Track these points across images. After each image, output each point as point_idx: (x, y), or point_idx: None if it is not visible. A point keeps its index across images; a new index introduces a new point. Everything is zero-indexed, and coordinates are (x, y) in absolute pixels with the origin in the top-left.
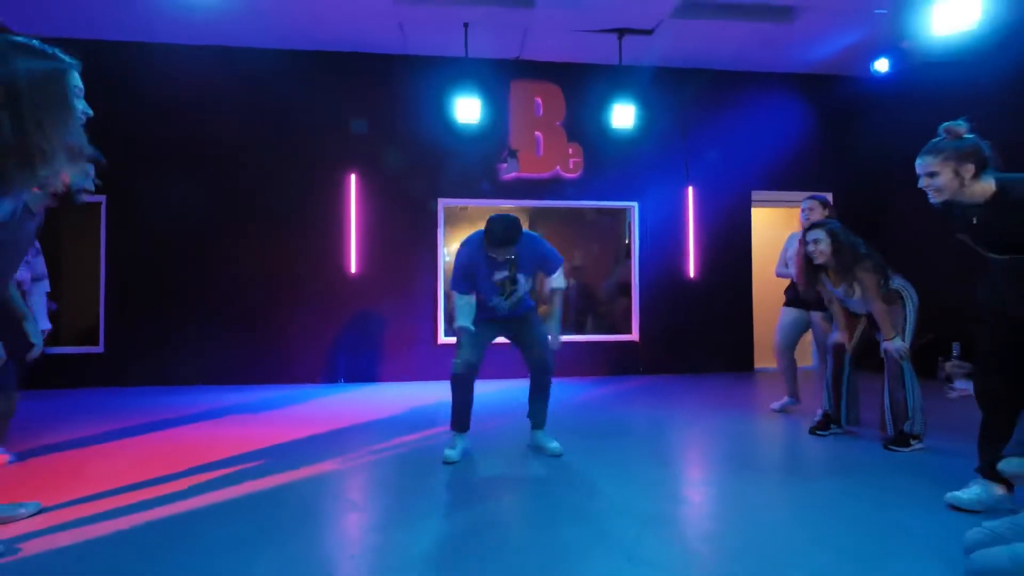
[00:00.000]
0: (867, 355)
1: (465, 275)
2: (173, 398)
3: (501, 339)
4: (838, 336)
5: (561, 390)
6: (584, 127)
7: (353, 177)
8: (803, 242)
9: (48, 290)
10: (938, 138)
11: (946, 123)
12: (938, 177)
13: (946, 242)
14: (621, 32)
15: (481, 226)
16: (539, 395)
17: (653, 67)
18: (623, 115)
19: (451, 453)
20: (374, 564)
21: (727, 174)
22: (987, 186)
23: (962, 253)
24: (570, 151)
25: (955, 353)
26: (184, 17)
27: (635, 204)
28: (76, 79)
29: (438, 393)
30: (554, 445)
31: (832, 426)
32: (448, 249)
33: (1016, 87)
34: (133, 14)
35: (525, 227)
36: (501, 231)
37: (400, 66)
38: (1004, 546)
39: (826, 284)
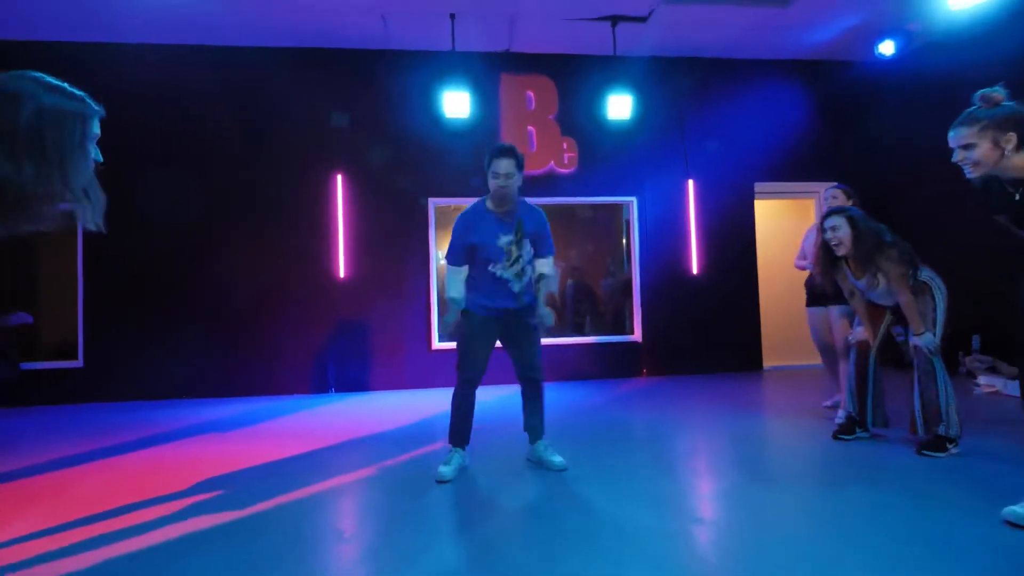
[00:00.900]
0: (884, 351)
1: (463, 245)
2: (155, 413)
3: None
4: (860, 332)
5: (560, 394)
6: (579, 120)
7: (339, 177)
8: (821, 229)
9: None
10: (973, 107)
11: (981, 90)
12: (974, 149)
13: (960, 230)
14: (614, 20)
15: None
16: (533, 403)
17: (648, 56)
18: (619, 107)
19: (445, 470)
20: None
21: (728, 166)
22: None
23: (978, 244)
24: (564, 146)
25: (975, 347)
26: (161, 16)
27: (633, 199)
28: (96, 127)
29: (432, 402)
30: (558, 459)
31: (857, 430)
32: (440, 251)
33: None
34: (110, 14)
35: None
36: (503, 144)
37: (385, 61)
38: None
39: (847, 276)
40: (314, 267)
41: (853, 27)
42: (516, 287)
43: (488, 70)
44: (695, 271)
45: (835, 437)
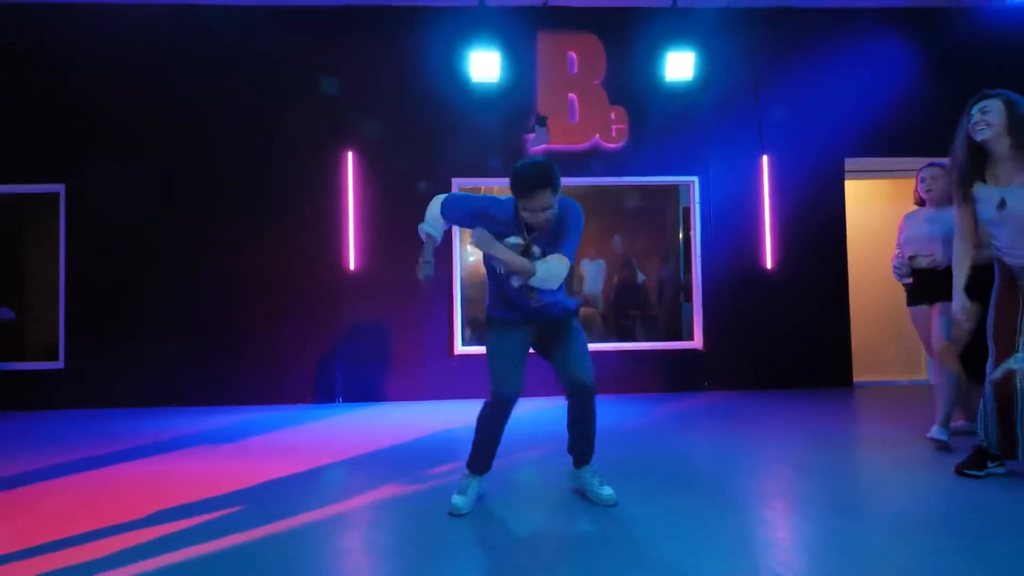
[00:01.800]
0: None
1: (476, 216)
2: (141, 423)
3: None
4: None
5: (606, 411)
6: (630, 86)
7: (350, 156)
8: (966, 118)
9: None
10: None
11: None
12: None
13: None
14: None
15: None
16: (581, 423)
17: (716, 8)
18: (679, 67)
19: (460, 501)
20: None
21: (812, 138)
22: None
23: None
24: (612, 116)
25: None
26: None
27: (695, 179)
28: None
29: (453, 415)
30: (607, 492)
31: (990, 463)
32: (464, 240)
33: None
34: None
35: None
36: (534, 172)
37: (404, 19)
38: None
39: (978, 204)
40: (320, 259)
41: None
42: (518, 283)
43: (523, 27)
44: (770, 266)
45: (960, 472)
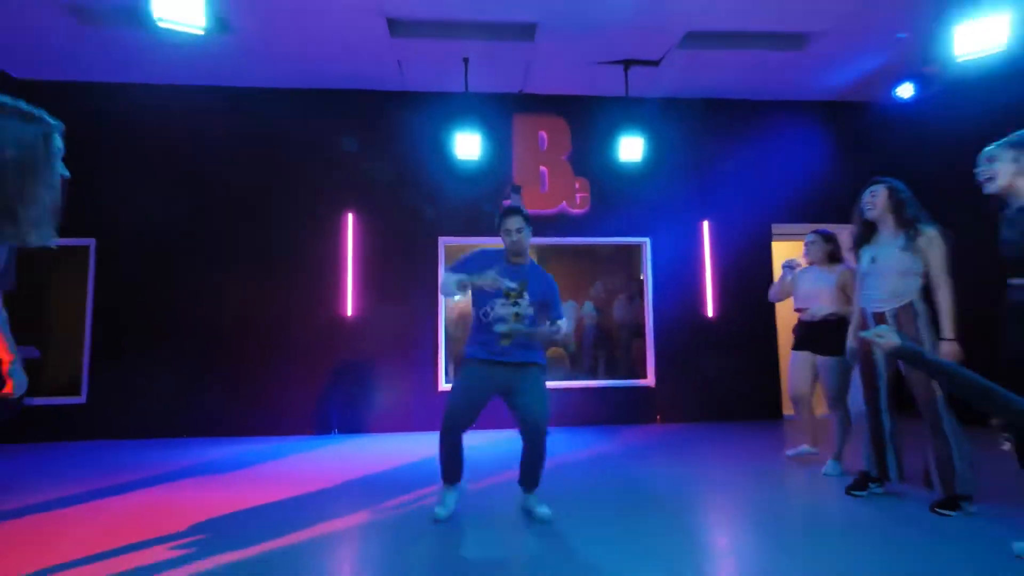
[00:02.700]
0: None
1: (469, 270)
2: (155, 453)
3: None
4: (867, 394)
5: (569, 442)
6: (591, 161)
7: (350, 216)
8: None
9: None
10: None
11: None
12: (996, 162)
13: (981, 275)
14: (627, 64)
15: None
16: (531, 462)
17: (662, 98)
18: (631, 148)
19: (440, 511)
20: None
21: (745, 207)
22: None
23: (1002, 288)
24: (577, 186)
25: None
26: (175, 57)
27: (647, 240)
28: (59, 141)
29: (436, 445)
30: (543, 510)
31: (871, 484)
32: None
33: None
34: (122, 55)
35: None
36: (510, 206)
37: (399, 102)
38: None
39: (860, 263)
40: (322, 305)
41: (871, 70)
42: (505, 328)
43: (501, 110)
44: (711, 315)
45: (848, 492)
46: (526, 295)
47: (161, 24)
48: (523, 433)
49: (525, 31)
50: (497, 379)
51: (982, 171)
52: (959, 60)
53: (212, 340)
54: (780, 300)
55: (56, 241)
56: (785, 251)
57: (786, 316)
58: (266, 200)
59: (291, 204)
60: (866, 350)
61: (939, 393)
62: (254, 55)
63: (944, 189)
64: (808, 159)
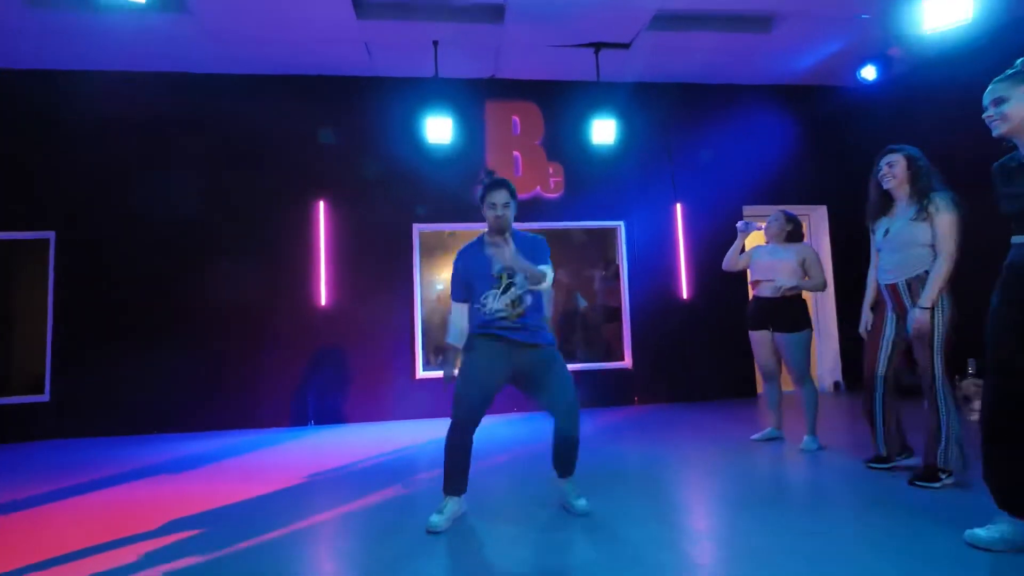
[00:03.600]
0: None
1: (461, 280)
2: (124, 450)
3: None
4: (867, 358)
5: (547, 425)
6: (565, 146)
7: (322, 204)
8: (875, 169)
9: None
10: (1014, 68)
11: None
12: (1006, 104)
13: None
14: (597, 47)
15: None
16: (569, 446)
17: (633, 82)
18: (604, 131)
19: (436, 520)
20: None
21: (716, 190)
22: None
23: (973, 265)
24: (551, 170)
25: (971, 371)
26: (132, 42)
27: (621, 223)
28: None
29: (416, 433)
30: (581, 503)
31: (941, 475)
32: (424, 277)
33: None
34: (82, 41)
35: None
36: (496, 178)
37: (369, 88)
38: None
39: (875, 235)
40: (295, 295)
41: (835, 52)
42: (507, 313)
43: (473, 96)
44: (685, 296)
45: (912, 484)
46: (517, 276)
47: None
48: (556, 421)
49: (494, 12)
50: (512, 359)
51: (991, 115)
52: (927, 33)
53: (181, 333)
54: (733, 269)
55: None
56: (757, 233)
57: None
58: (234, 190)
59: (260, 194)
60: (877, 327)
61: (940, 368)
62: (213, 38)
63: None
64: (776, 143)
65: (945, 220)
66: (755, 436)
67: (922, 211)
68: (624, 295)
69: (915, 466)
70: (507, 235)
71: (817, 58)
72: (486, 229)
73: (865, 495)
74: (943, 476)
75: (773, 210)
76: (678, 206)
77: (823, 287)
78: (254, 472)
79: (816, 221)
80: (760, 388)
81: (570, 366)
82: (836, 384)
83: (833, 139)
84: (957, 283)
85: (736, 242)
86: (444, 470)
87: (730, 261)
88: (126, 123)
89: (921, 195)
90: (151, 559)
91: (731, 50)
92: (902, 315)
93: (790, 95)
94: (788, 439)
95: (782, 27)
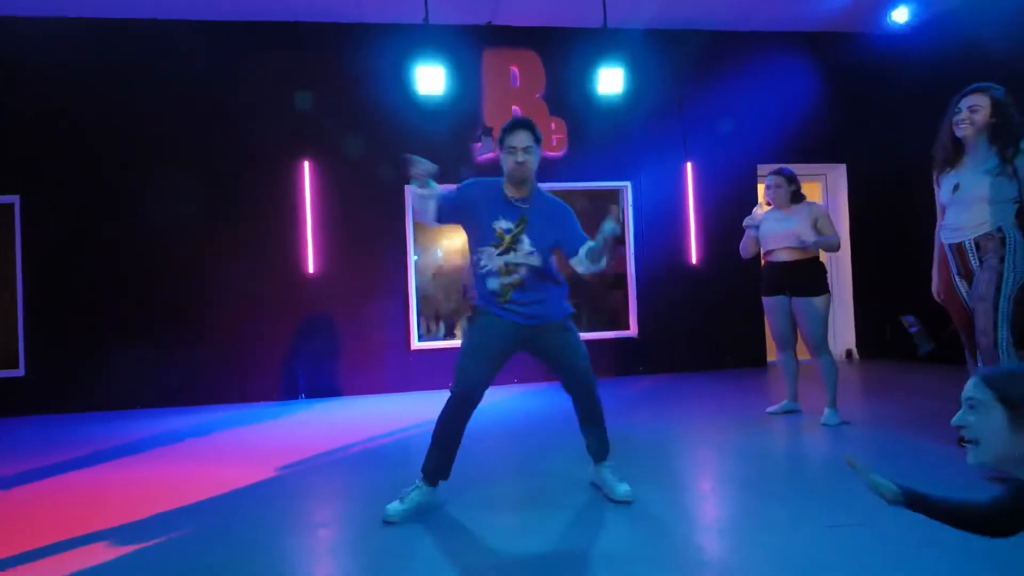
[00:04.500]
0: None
1: (457, 207)
2: (104, 427)
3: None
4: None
5: (552, 396)
6: (567, 99)
7: (306, 165)
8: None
9: None
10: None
11: None
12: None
13: None
14: None
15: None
16: (590, 420)
17: (642, 29)
18: (610, 81)
19: (394, 509)
20: None
21: (730, 147)
22: None
23: None
24: (552, 126)
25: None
26: None
27: (628, 184)
28: None
29: (412, 408)
30: (623, 489)
31: None
32: (418, 243)
33: None
34: None
35: None
36: (519, 117)
37: (352, 36)
38: None
39: (940, 190)
40: (281, 263)
41: None
42: (496, 284)
43: (470, 44)
44: (694, 261)
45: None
46: (524, 239)
47: None
48: (572, 394)
49: None
50: (519, 334)
51: (964, 118)
52: None
53: (162, 304)
54: (751, 255)
55: None
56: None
57: None
58: (210, 150)
59: (239, 153)
60: (950, 290)
61: (1005, 339)
62: None
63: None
64: (796, 96)
65: None
66: (771, 408)
67: (1006, 164)
68: (630, 260)
69: None
70: (528, 188)
71: (842, 1)
72: (504, 178)
73: (911, 476)
74: None
75: (790, 168)
76: (688, 165)
77: (838, 246)
78: (245, 449)
79: (834, 179)
80: (772, 357)
81: None
82: (848, 352)
83: (858, 92)
84: None
85: (746, 236)
86: (430, 448)
87: (747, 250)
88: (88, 78)
89: (1006, 143)
90: (132, 545)
91: None
92: (968, 278)
93: (812, 42)
94: (806, 412)
95: None
